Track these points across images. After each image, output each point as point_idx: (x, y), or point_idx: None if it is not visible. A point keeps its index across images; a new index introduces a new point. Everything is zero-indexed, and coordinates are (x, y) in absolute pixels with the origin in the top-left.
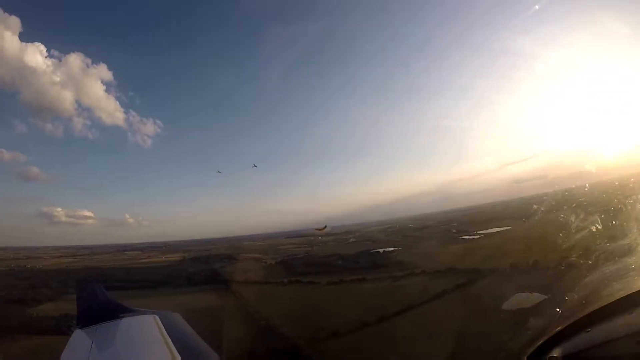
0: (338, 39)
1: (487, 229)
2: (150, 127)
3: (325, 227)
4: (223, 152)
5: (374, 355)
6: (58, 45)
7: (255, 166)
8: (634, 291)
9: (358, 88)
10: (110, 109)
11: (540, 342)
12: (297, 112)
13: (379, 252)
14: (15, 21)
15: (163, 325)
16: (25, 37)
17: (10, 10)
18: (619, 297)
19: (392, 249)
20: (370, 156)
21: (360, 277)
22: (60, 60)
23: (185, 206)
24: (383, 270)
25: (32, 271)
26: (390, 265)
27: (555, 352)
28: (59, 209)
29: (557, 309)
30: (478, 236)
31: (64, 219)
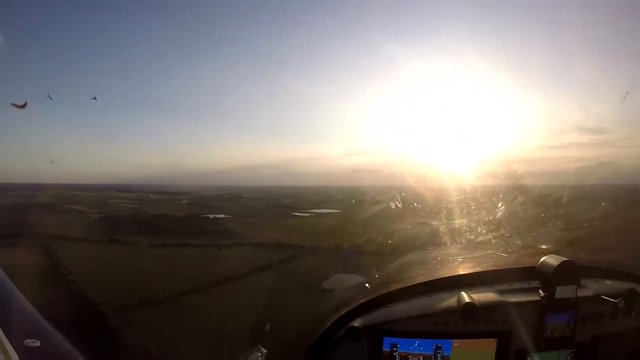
0: None
1: (319, 209)
2: None
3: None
4: (64, 91)
5: (180, 329)
6: None
7: (95, 99)
8: (434, 278)
9: (230, 47)
10: None
11: (343, 312)
12: (148, 61)
13: (209, 217)
14: None
15: None
16: None
17: None
18: (420, 282)
19: (222, 216)
20: (224, 117)
21: (183, 242)
22: None
23: (9, 144)
24: (210, 237)
25: None
26: (218, 232)
27: (357, 322)
28: None
29: (366, 285)
30: (309, 214)
31: None
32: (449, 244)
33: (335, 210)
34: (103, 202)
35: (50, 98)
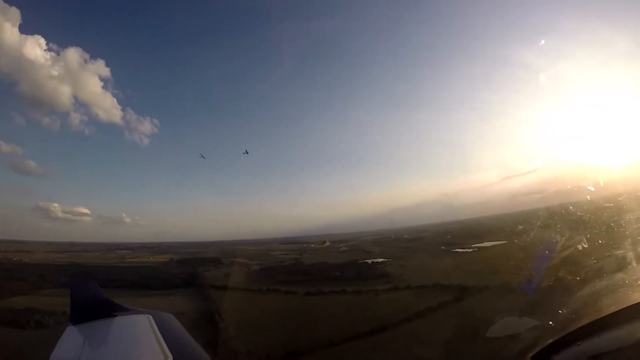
0: (344, 42)
1: (481, 242)
2: (147, 126)
3: (325, 242)
4: (221, 155)
5: None
6: (57, 39)
7: (247, 152)
8: (622, 307)
9: (363, 94)
10: (107, 106)
11: (531, 354)
12: (299, 115)
13: (367, 262)
14: (15, 13)
15: (156, 325)
16: (25, 29)
17: (11, 2)
18: (608, 313)
19: (381, 260)
20: (372, 164)
21: (340, 289)
22: (58, 54)
23: (181, 208)
24: (366, 282)
25: (15, 264)
26: (374, 277)
27: None
28: (55, 204)
29: (550, 322)
30: (471, 249)
31: (60, 214)
32: (635, 263)
33: (500, 242)
34: (265, 254)
35: (203, 157)
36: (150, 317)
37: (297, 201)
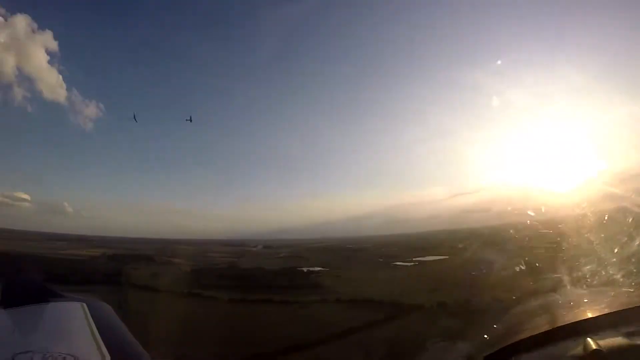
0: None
1: (423, 256)
2: (92, 109)
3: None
4: (167, 151)
5: None
6: (6, 3)
7: (190, 120)
8: (556, 326)
9: (317, 102)
10: (52, 83)
11: None
12: (251, 115)
13: (302, 270)
14: None
15: (91, 314)
16: None
17: None
18: (542, 331)
19: (318, 269)
20: (323, 172)
21: (266, 298)
22: (6, 20)
23: (126, 201)
24: (296, 292)
25: None
26: (306, 287)
27: None
28: None
29: (485, 336)
30: (411, 264)
31: None
32: (570, 285)
33: (442, 257)
34: (202, 255)
35: (135, 119)
36: (84, 304)
37: (246, 203)
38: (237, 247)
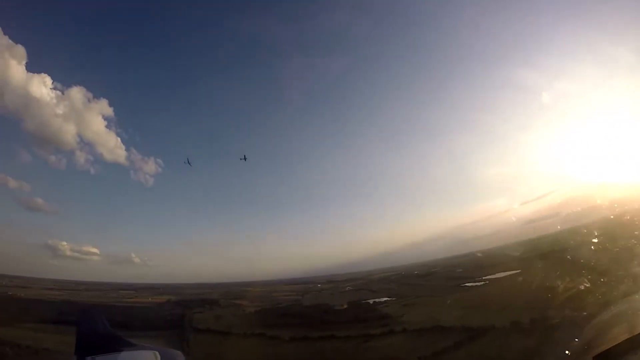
0: (341, 76)
1: (493, 274)
2: (151, 166)
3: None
4: (226, 195)
5: None
6: (62, 77)
7: (245, 159)
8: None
9: (361, 128)
10: (111, 145)
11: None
12: (302, 154)
13: (368, 302)
14: (21, 50)
15: None
16: (31, 67)
17: (17, 40)
18: (623, 340)
19: (384, 299)
20: (379, 200)
21: (329, 334)
22: (63, 93)
23: (189, 247)
24: (361, 325)
25: (5, 297)
26: (372, 319)
27: None
28: (64, 243)
29: (566, 352)
30: (482, 283)
31: (68, 252)
32: None
33: (513, 272)
34: (266, 296)
35: (189, 163)
36: (157, 353)
37: (309, 239)
38: (302, 285)
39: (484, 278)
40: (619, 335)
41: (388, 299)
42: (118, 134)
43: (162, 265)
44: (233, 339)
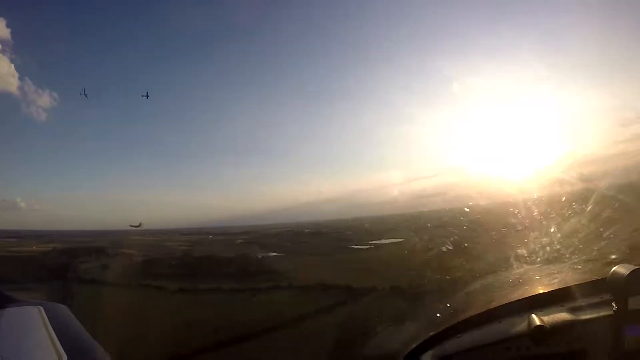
0: (260, 40)
1: (379, 239)
2: (46, 99)
3: (140, 224)
4: (125, 137)
5: None
6: None
7: (147, 96)
8: (503, 303)
9: (276, 89)
10: (3, 71)
11: (413, 346)
12: (212, 104)
13: (257, 257)
14: None
15: (48, 318)
16: None
17: None
18: (489, 308)
19: (273, 254)
20: (282, 157)
21: (215, 287)
22: None
23: (82, 193)
24: (249, 279)
25: None
26: (259, 273)
27: (427, 356)
28: None
29: (437, 315)
30: (367, 247)
31: None
32: (517, 265)
33: (397, 240)
34: (157, 246)
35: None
36: (41, 308)
37: (205, 191)
38: (196, 236)
39: (370, 242)
40: (487, 302)
41: (277, 254)
42: (12, 60)
43: (50, 210)
44: (117, 290)
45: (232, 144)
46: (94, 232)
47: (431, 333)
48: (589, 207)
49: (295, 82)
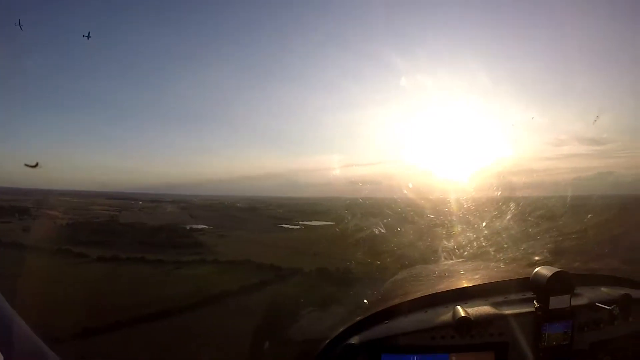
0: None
1: (310, 221)
2: None
3: (37, 164)
4: (58, 88)
5: None
6: None
7: (89, 36)
8: (429, 293)
9: (226, 55)
10: None
11: (340, 330)
12: (157, 65)
13: (185, 227)
14: None
15: None
16: None
17: None
18: (416, 297)
19: (201, 226)
20: (225, 128)
21: (139, 257)
22: None
23: (5, 145)
24: (174, 250)
25: None
26: (185, 245)
27: (354, 340)
28: None
29: (365, 301)
30: (298, 227)
31: None
32: (445, 258)
33: (329, 223)
34: (83, 209)
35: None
36: None
37: (143, 154)
38: (124, 201)
39: (301, 223)
40: (413, 292)
41: (205, 227)
42: None
43: None
44: (33, 255)
45: (173, 108)
46: (18, 189)
47: (358, 318)
48: (516, 212)
49: (246, 53)
